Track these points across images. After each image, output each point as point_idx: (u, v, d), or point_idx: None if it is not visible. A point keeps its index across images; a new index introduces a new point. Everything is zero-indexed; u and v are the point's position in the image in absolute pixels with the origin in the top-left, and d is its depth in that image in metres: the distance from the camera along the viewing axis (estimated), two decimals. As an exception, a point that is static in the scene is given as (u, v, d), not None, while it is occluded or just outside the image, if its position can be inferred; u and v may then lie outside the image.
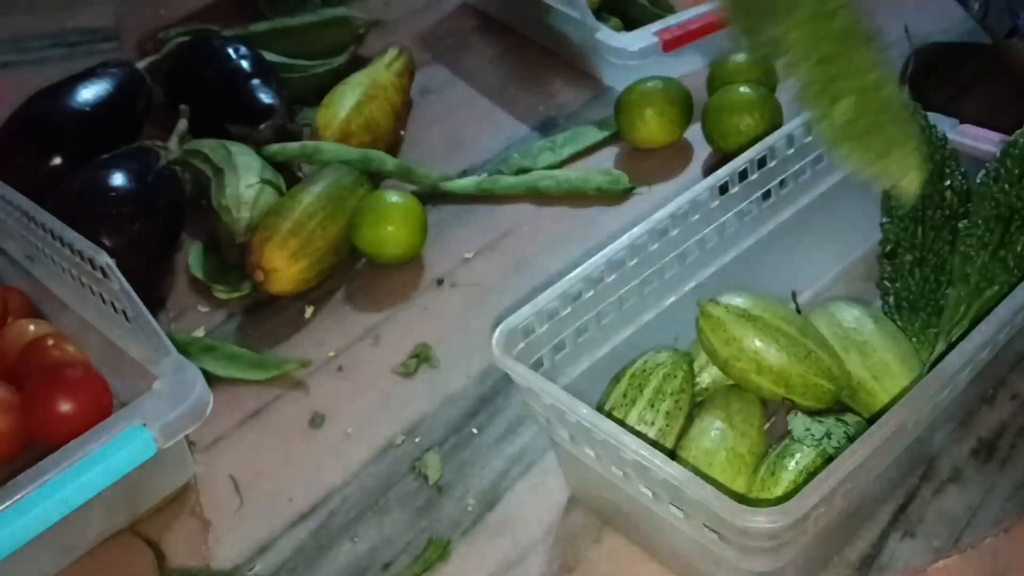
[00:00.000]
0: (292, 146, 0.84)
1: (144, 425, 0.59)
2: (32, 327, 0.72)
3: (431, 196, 0.86)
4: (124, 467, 0.58)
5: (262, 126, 0.86)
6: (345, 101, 0.87)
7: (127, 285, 0.64)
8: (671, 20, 0.93)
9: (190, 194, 0.84)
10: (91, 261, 0.66)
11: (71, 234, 0.67)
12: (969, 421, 0.65)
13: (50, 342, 0.70)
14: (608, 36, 0.92)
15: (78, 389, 0.66)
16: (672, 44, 0.91)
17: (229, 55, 0.92)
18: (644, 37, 0.91)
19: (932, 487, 0.62)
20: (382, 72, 0.92)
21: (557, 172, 0.87)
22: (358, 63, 0.97)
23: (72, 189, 0.78)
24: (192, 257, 0.82)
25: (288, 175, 0.85)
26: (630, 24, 0.98)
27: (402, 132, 0.90)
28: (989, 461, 0.63)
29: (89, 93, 0.88)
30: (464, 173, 0.89)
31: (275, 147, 0.84)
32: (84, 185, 0.79)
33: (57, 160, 0.83)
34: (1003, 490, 0.62)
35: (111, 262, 0.64)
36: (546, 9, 0.98)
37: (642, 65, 0.90)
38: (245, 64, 0.91)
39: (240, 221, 0.78)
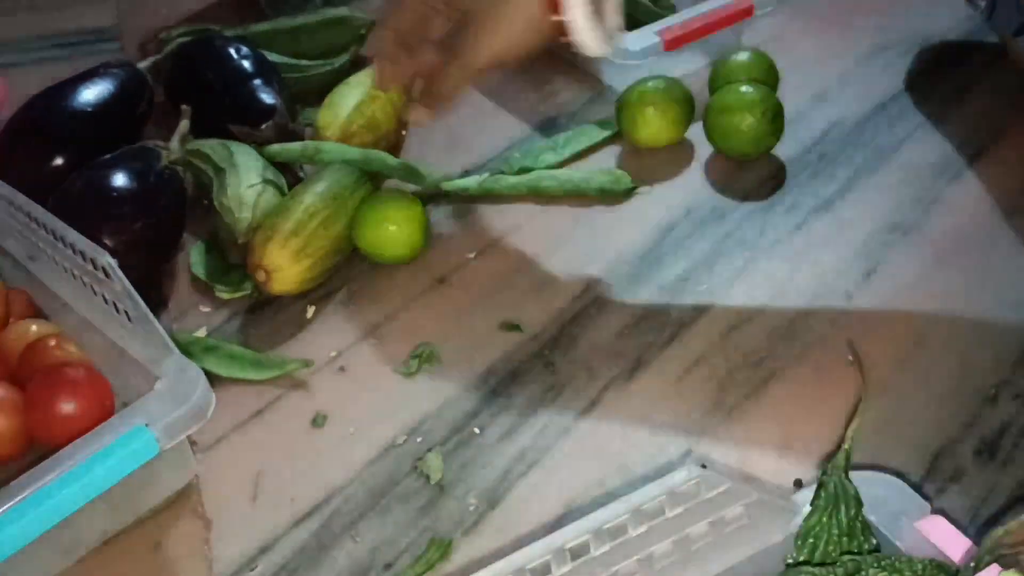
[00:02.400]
0: (293, 146, 0.83)
1: (146, 426, 0.59)
2: (34, 327, 0.72)
3: (433, 196, 0.86)
4: (126, 468, 0.58)
5: (263, 126, 0.86)
6: (346, 101, 0.87)
7: (129, 285, 0.64)
8: (672, 19, 0.92)
9: (192, 194, 0.84)
10: (93, 261, 0.66)
11: (73, 234, 0.67)
12: (972, 421, 0.66)
13: (52, 342, 0.70)
14: None
15: (80, 389, 0.66)
16: (673, 44, 0.90)
17: (230, 55, 0.91)
18: (645, 37, 0.91)
19: (935, 487, 0.62)
20: (383, 72, 0.92)
21: (559, 172, 0.87)
22: (360, 63, 0.97)
23: (74, 189, 0.78)
24: (194, 257, 0.82)
25: (290, 175, 0.85)
26: (632, 23, 0.98)
27: (404, 132, 0.90)
28: (991, 461, 0.63)
29: (91, 94, 0.88)
30: (466, 173, 0.89)
31: (276, 147, 0.83)
32: (86, 185, 0.78)
33: (59, 160, 0.83)
34: (1005, 489, 0.62)
35: (113, 262, 0.64)
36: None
37: (643, 65, 0.90)
38: (246, 64, 0.91)
39: (242, 221, 0.78)
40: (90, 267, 0.66)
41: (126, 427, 0.58)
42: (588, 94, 0.98)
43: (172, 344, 0.63)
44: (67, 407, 0.64)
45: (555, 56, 1.02)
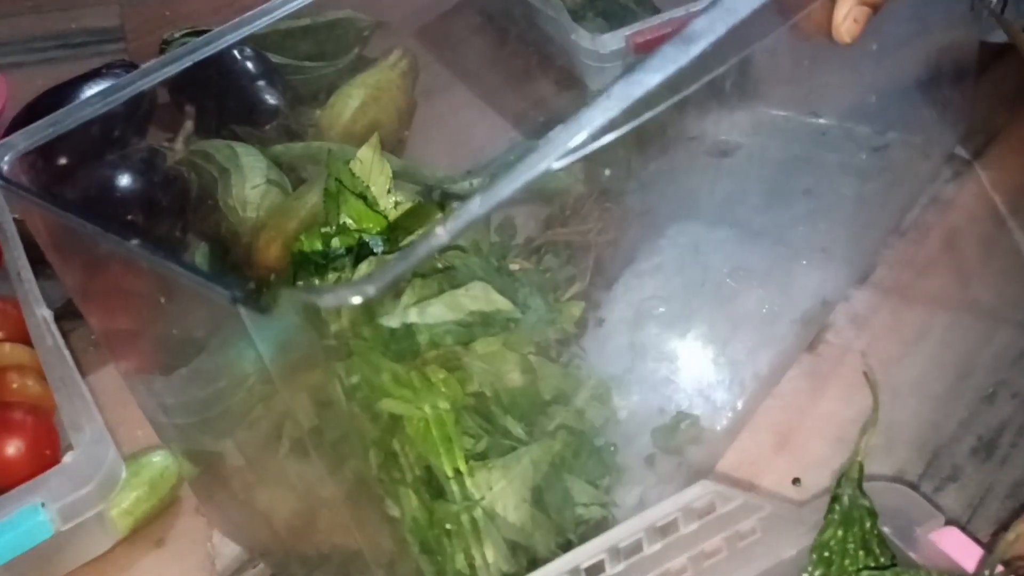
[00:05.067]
0: (297, 146, 0.82)
1: (42, 505, 0.55)
2: (7, 349, 0.69)
3: (442, 208, 0.84)
4: (17, 548, 0.55)
5: (267, 127, 0.84)
6: (350, 102, 0.85)
7: (61, 343, 0.61)
8: (644, 23, 0.88)
9: (196, 194, 0.82)
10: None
11: (27, 272, 0.64)
12: (970, 420, 0.64)
13: (12, 375, 0.67)
14: (581, 37, 0.88)
15: (15, 434, 0.62)
16: (644, 47, 0.86)
17: (234, 57, 0.89)
18: (615, 39, 0.86)
19: (932, 485, 0.61)
20: (386, 73, 0.90)
21: (560, 173, 0.85)
22: (362, 64, 0.95)
23: (77, 189, 0.76)
24: (198, 257, 0.80)
25: (293, 176, 0.83)
26: (615, 27, 0.95)
27: (406, 132, 0.88)
28: (989, 460, 0.62)
29: (93, 112, 0.86)
30: (468, 174, 0.86)
31: (280, 147, 0.82)
32: (89, 186, 0.77)
33: (62, 161, 0.81)
34: (1003, 488, 0.60)
35: (48, 316, 0.61)
36: (533, 10, 0.95)
37: (617, 67, 0.87)
38: (250, 65, 0.89)
39: (246, 221, 0.76)
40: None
41: (20, 505, 0.55)
42: (574, 99, 0.95)
43: (96, 412, 0.60)
44: (5, 450, 0.62)
45: (548, 58, 1.00)
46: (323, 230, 0.57)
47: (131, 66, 0.91)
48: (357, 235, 0.56)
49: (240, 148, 0.81)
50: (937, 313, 0.71)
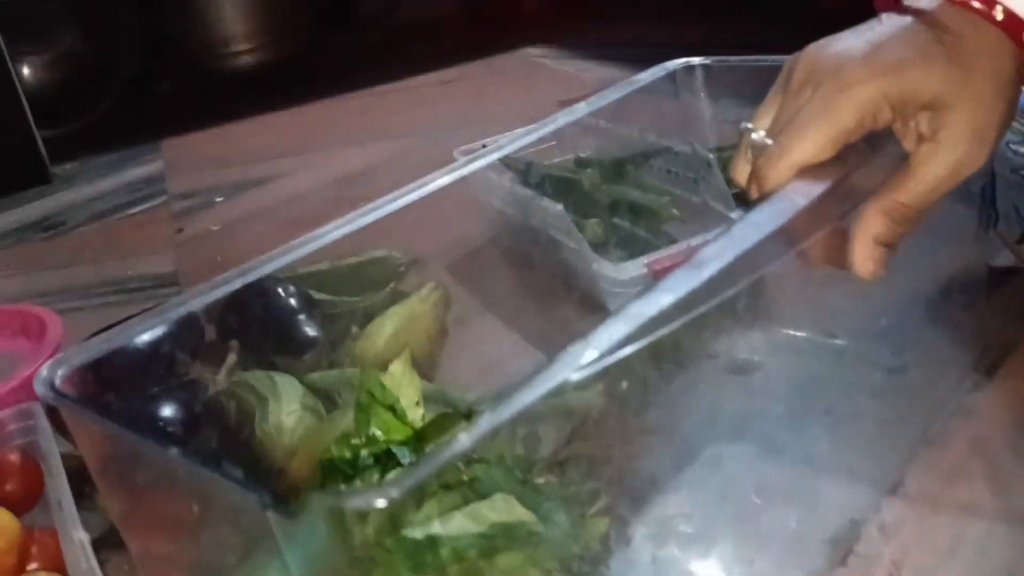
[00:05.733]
0: (332, 373, 0.84)
1: None
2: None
3: (468, 415, 0.85)
4: None
5: (305, 357, 0.87)
6: (383, 332, 0.88)
7: (96, 567, 0.63)
8: (662, 252, 0.93)
9: (235, 423, 0.83)
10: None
11: (68, 499, 0.66)
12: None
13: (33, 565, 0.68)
14: (603, 266, 0.94)
15: None
16: (662, 274, 0.90)
17: (278, 294, 0.93)
18: (634, 268, 0.92)
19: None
20: (418, 305, 0.93)
21: (585, 393, 0.86)
22: (398, 297, 0.98)
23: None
24: (234, 484, 0.81)
25: (328, 402, 0.84)
26: (634, 255, 0.99)
27: (438, 359, 0.90)
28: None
29: (144, 332, 0.89)
30: (498, 396, 0.87)
31: (316, 375, 0.84)
32: (131, 419, 0.78)
33: (112, 375, 0.83)
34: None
35: (85, 539, 0.63)
36: (556, 243, 1.00)
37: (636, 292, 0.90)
38: (292, 301, 0.92)
39: (280, 447, 0.77)
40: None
41: None
42: (597, 322, 0.97)
43: None
44: None
45: (571, 288, 1.03)
46: (352, 441, 0.58)
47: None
48: (385, 446, 0.57)
49: (278, 377, 0.83)
50: (969, 522, 0.70)
